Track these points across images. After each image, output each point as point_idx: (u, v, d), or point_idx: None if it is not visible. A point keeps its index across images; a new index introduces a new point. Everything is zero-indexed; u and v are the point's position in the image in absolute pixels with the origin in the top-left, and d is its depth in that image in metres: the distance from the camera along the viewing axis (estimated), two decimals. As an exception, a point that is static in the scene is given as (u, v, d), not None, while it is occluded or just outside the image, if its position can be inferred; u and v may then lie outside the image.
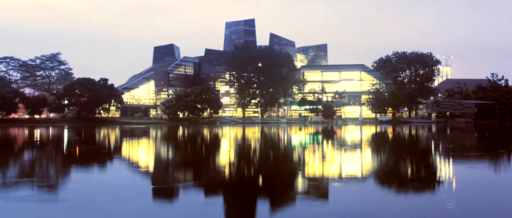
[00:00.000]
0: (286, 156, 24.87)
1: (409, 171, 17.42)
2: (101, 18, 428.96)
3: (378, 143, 36.61)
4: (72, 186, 13.81)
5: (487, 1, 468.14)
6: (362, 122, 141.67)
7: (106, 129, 77.70)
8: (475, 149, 30.82)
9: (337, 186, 13.62)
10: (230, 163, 20.25)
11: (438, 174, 16.11)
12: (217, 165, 20.03)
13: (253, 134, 56.89)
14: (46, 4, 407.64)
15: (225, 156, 24.53)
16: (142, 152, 28.11)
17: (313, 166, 19.32)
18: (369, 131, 66.71)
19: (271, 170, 18.01)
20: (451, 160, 21.91)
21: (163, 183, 14.59)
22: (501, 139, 43.44)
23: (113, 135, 54.12)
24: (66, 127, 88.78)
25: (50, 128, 78.36)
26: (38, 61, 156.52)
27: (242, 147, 31.14)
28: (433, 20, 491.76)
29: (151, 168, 18.87)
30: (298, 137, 47.99)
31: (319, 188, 13.41)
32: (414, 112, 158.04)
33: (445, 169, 17.81)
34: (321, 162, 20.70)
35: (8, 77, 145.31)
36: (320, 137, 45.57)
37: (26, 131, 63.10)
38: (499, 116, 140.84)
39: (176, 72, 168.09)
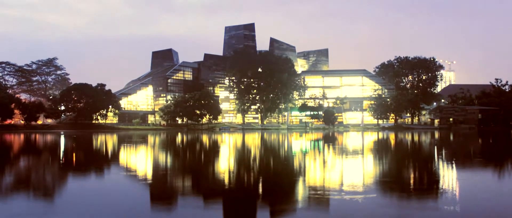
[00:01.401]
0: (291, 165, 23.30)
1: (415, 181, 16.49)
2: (99, 22, 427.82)
3: (383, 151, 34.36)
4: (67, 198, 13.19)
5: (491, 5, 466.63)
6: (364, 128, 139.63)
7: (104, 135, 76.14)
8: (482, 157, 29.23)
9: (347, 198, 12.72)
10: (232, 174, 18.97)
11: (454, 187, 14.71)
12: (218, 177, 18.56)
13: (254, 141, 54.96)
14: (43, 8, 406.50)
15: (227, 166, 23.03)
16: (141, 161, 26.80)
17: (320, 176, 17.92)
18: (371, 137, 64.72)
19: (275, 180, 17.11)
20: (461, 171, 20.31)
21: (162, 193, 14.18)
22: (507, 146, 41.54)
23: (110, 142, 52.08)
24: (62, 133, 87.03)
25: (47, 135, 76.30)
26: (34, 66, 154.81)
27: (244, 156, 29.47)
28: (436, 24, 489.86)
29: (149, 179, 17.81)
30: (302, 144, 45.97)
31: (330, 202, 12.48)
32: (416, 118, 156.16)
33: (460, 181, 16.26)
34: (329, 172, 19.27)
35: (3, 82, 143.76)
36: (324, 145, 43.36)
37: (19, 138, 61.29)
38: (503, 122, 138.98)
39: (174, 77, 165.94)
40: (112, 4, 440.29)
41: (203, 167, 22.81)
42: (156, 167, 22.97)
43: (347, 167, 21.94)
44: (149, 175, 19.08)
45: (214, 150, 37.12)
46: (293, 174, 19.37)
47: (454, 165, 22.71)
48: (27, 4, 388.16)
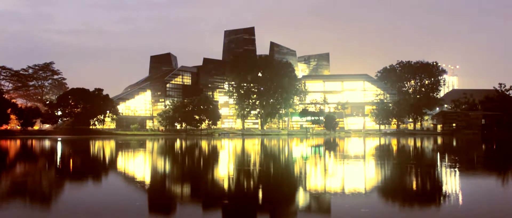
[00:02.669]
0: (293, 174, 22.13)
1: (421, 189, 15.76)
2: (96, 26, 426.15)
3: (387, 158, 32.44)
4: (64, 208, 12.35)
5: (494, 9, 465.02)
6: (366, 133, 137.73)
7: (102, 141, 74.49)
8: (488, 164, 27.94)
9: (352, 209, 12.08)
10: (234, 184, 17.84)
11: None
12: (219, 186, 17.57)
13: (254, 147, 53.15)
14: (39, 12, 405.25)
15: (229, 174, 21.68)
16: (142, 169, 25.52)
17: (324, 186, 17.00)
18: (374, 143, 62.90)
19: (277, 190, 16.27)
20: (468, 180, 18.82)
21: (164, 203, 13.45)
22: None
23: (110, 148, 50.06)
24: (59, 139, 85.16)
25: (43, 141, 74.41)
26: (30, 70, 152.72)
27: (246, 164, 27.78)
28: (439, 28, 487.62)
29: (150, 188, 16.83)
30: (303, 150, 43.97)
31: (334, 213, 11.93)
32: (419, 123, 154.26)
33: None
34: (333, 182, 18.12)
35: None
36: (326, 151, 41.34)
37: (15, 144, 59.64)
38: (507, 127, 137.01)
39: (173, 82, 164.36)
40: (110, 8, 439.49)
41: (204, 176, 21.65)
42: (157, 176, 21.82)
43: (351, 175, 21.09)
44: (151, 184, 18.10)
45: (214, 157, 35.43)
46: (295, 183, 18.26)
47: (459, 174, 21.15)
48: (24, 8, 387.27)
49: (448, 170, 22.59)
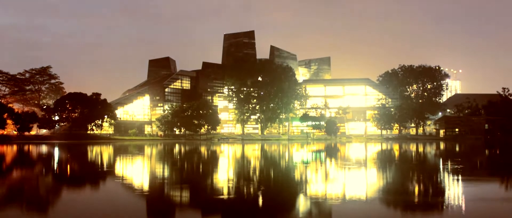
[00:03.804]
0: (297, 180, 22.11)
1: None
2: (94, 29, 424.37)
3: (392, 164, 31.04)
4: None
5: (497, 13, 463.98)
6: (367, 138, 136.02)
7: (99, 146, 73.41)
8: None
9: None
10: (237, 192, 17.20)
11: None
12: (223, 192, 17.02)
13: (255, 152, 51.89)
14: (37, 15, 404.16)
15: (232, 181, 21.11)
16: (143, 176, 25.15)
17: (328, 193, 16.63)
18: (376, 148, 61.61)
19: (281, 196, 16.11)
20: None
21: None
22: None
23: (108, 155, 48.67)
24: (57, 144, 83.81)
25: (40, 147, 73.10)
26: (27, 75, 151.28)
27: (250, 171, 27.18)
28: (441, 32, 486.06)
29: (156, 198, 16.37)
30: (305, 156, 42.51)
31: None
32: (421, 128, 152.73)
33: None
34: (339, 189, 17.93)
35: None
36: (328, 157, 39.81)
37: (11, 150, 58.52)
38: (510, 132, 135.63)
39: (172, 86, 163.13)
40: (108, 12, 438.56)
41: (203, 182, 21.18)
42: (155, 182, 21.22)
43: (352, 182, 20.86)
44: (148, 191, 17.71)
45: (214, 163, 34.30)
46: (295, 189, 18.00)
47: (462, 181, 20.57)
48: (21, 10, 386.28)
49: (450, 176, 22.27)
